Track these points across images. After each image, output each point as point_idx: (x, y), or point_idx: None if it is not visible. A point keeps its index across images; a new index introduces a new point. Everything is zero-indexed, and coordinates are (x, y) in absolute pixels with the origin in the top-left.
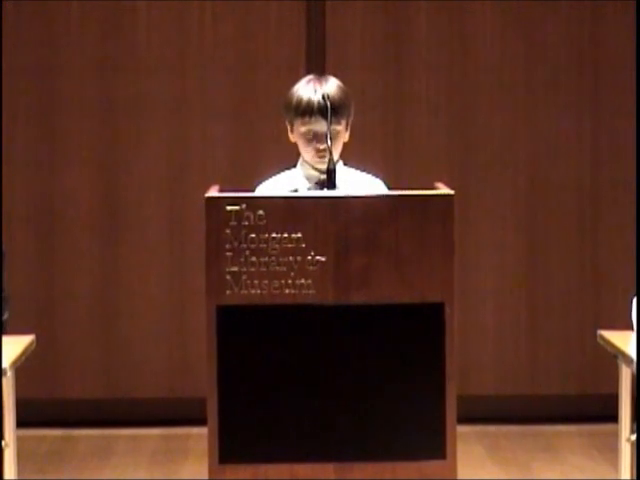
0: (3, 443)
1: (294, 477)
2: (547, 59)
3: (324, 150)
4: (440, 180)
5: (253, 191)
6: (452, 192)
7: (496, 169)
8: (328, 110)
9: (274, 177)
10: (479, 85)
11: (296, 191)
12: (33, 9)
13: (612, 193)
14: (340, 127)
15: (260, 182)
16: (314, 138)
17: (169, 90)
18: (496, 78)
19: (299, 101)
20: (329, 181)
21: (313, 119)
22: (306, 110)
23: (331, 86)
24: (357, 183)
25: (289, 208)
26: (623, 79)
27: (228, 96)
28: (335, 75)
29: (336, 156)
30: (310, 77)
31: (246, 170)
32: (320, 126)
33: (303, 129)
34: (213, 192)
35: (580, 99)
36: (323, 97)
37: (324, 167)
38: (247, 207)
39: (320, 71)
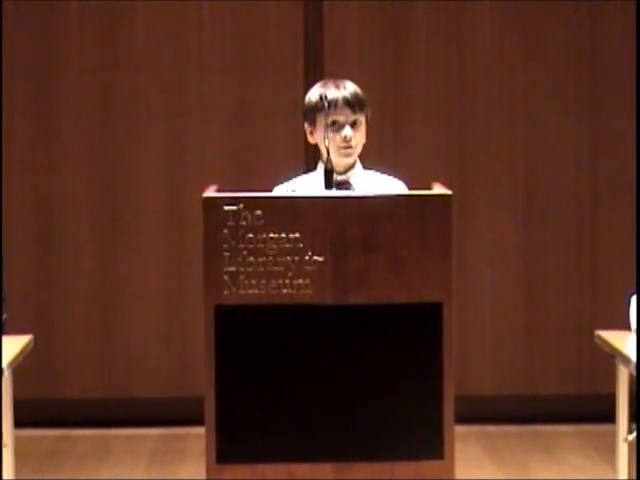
0: (2, 443)
1: (292, 477)
2: (547, 59)
3: (350, 140)
4: (438, 180)
5: (253, 191)
6: (450, 192)
7: (495, 169)
8: (325, 105)
9: (293, 179)
10: (478, 85)
11: (294, 191)
12: (32, 9)
13: (611, 193)
14: (363, 119)
15: (277, 184)
16: (339, 128)
17: (168, 90)
18: (495, 78)
19: (323, 97)
20: (327, 181)
21: (339, 110)
22: (331, 102)
23: (350, 83)
24: (378, 185)
25: (287, 208)
26: (623, 79)
27: (226, 96)
28: (334, 75)
29: (358, 150)
30: (325, 80)
31: (245, 170)
32: (345, 116)
33: (328, 121)
34: (211, 192)
35: (580, 99)
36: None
37: (347, 160)
38: (245, 207)
39: (318, 71)
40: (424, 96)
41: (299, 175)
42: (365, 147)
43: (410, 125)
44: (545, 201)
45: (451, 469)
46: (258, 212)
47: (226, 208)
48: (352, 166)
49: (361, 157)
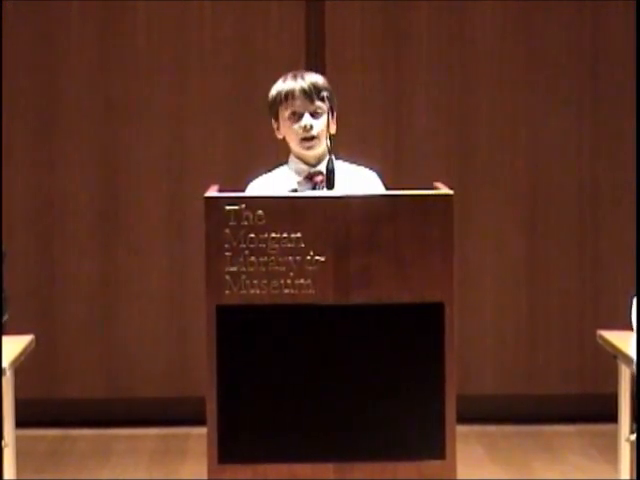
0: (2, 443)
1: (294, 477)
2: (547, 59)
3: (310, 129)
4: (439, 180)
5: (245, 188)
6: (451, 192)
7: (496, 169)
8: (282, 97)
9: (265, 175)
10: (480, 85)
11: (295, 191)
12: (33, 9)
13: (612, 193)
14: (324, 107)
15: (251, 180)
16: (298, 118)
17: (169, 90)
18: (497, 78)
19: (280, 91)
20: (328, 180)
21: (297, 101)
22: (288, 93)
23: (311, 74)
24: (349, 175)
25: (288, 208)
26: (624, 80)
27: (227, 96)
28: (335, 75)
29: (323, 141)
30: (285, 74)
31: (245, 170)
32: (302, 106)
33: (287, 113)
34: (212, 192)
35: (580, 99)
36: (306, 86)
37: (310, 152)
38: (246, 207)
39: (320, 71)
40: (426, 96)
41: (271, 170)
42: (367, 147)
43: (412, 125)
44: (546, 201)
45: (453, 469)
46: (260, 212)
47: (228, 208)
48: (324, 157)
49: (362, 155)
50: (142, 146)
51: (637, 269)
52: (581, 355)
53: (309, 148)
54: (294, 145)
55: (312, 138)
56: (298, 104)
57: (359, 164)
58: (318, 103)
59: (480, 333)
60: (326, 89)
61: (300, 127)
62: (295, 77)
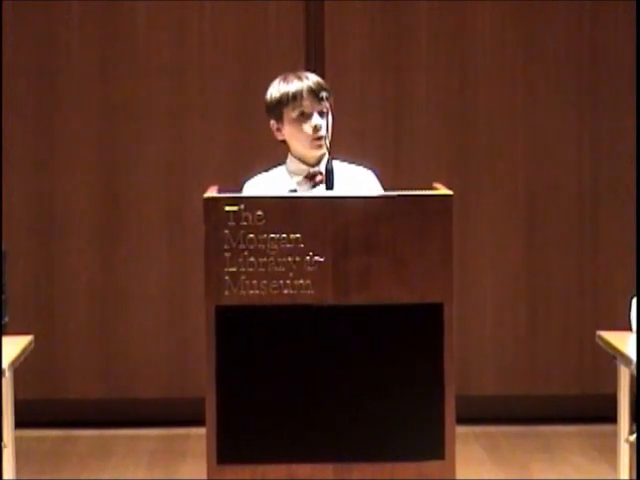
0: (2, 444)
1: (293, 477)
2: (546, 59)
3: (320, 129)
4: (439, 180)
5: (242, 186)
6: (451, 192)
7: (495, 169)
8: (289, 97)
9: (263, 174)
10: (478, 85)
11: (295, 191)
12: (33, 9)
13: (612, 193)
14: (328, 106)
15: (248, 179)
16: (307, 118)
17: (168, 90)
18: (495, 78)
19: (286, 92)
20: (327, 181)
21: (304, 101)
22: (296, 94)
23: (310, 73)
24: (347, 175)
25: (288, 208)
26: (623, 79)
27: (227, 97)
28: (334, 75)
29: (329, 140)
30: (284, 74)
31: (245, 171)
32: (311, 106)
33: (294, 114)
34: (212, 193)
35: (580, 99)
36: (313, 85)
37: (320, 152)
38: (245, 207)
39: (319, 71)
40: (425, 96)
41: (268, 170)
42: (367, 148)
43: (412, 125)
44: (546, 201)
45: (452, 469)
46: (259, 212)
47: (227, 208)
48: (322, 157)
49: (361, 155)
50: (142, 147)
51: (637, 269)
52: (580, 356)
53: (319, 147)
54: (302, 146)
55: (321, 138)
56: (307, 104)
57: (358, 164)
58: (324, 102)
59: (480, 333)
60: (327, 88)
61: (310, 127)
62: (299, 77)
